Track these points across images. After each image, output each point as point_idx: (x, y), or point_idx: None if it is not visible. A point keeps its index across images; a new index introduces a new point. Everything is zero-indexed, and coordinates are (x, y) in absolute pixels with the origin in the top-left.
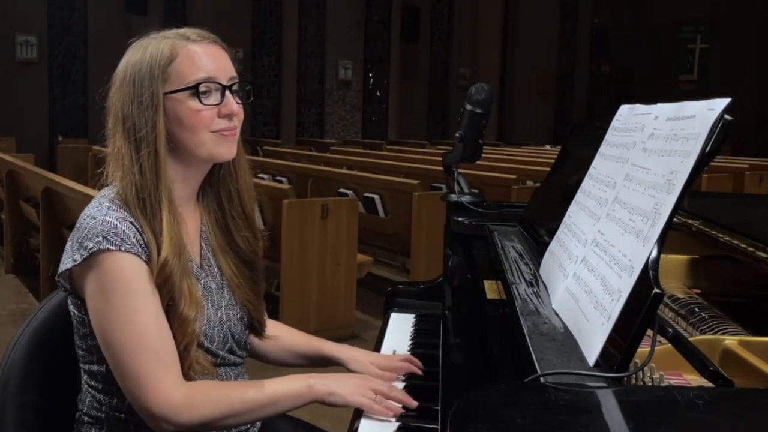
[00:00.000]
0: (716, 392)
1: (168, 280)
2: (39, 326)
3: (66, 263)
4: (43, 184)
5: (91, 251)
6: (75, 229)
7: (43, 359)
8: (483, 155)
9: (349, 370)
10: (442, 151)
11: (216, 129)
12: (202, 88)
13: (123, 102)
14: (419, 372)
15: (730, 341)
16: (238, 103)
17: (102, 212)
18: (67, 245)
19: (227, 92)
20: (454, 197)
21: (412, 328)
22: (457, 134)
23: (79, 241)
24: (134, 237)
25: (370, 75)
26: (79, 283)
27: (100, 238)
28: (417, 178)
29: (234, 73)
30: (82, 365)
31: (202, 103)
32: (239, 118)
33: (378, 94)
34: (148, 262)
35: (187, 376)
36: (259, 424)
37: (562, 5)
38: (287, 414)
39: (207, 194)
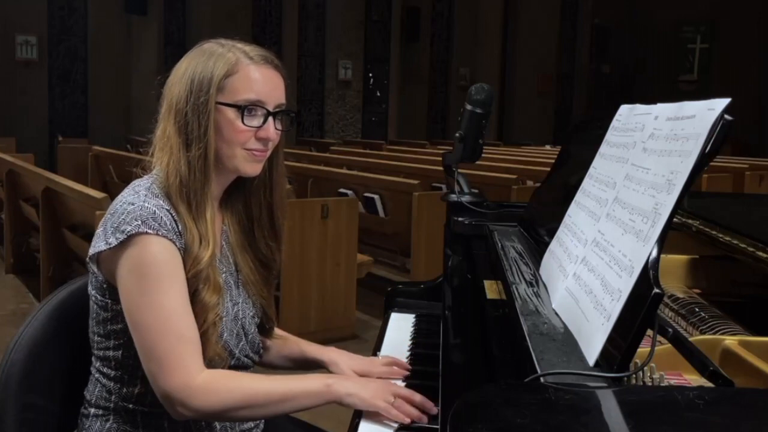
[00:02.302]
0: (716, 392)
1: (201, 272)
2: (39, 326)
3: (98, 246)
4: (43, 184)
5: (129, 234)
6: (109, 215)
7: (43, 359)
8: (483, 155)
9: (330, 372)
10: (442, 151)
11: (249, 148)
12: (248, 108)
13: (179, 96)
14: (404, 374)
15: (730, 341)
16: (277, 129)
17: (140, 199)
18: (99, 230)
19: (270, 118)
20: (454, 197)
21: (412, 328)
22: (457, 134)
23: (115, 225)
24: (170, 224)
25: (370, 75)
26: (108, 267)
27: (139, 222)
28: (417, 178)
29: (283, 101)
30: (95, 352)
31: (243, 123)
32: (273, 143)
33: (378, 94)
34: (182, 250)
35: (205, 363)
36: (262, 423)
37: (562, 5)
38: (288, 415)
39: (234, 197)
